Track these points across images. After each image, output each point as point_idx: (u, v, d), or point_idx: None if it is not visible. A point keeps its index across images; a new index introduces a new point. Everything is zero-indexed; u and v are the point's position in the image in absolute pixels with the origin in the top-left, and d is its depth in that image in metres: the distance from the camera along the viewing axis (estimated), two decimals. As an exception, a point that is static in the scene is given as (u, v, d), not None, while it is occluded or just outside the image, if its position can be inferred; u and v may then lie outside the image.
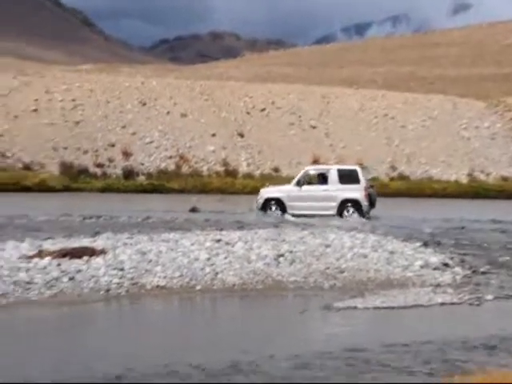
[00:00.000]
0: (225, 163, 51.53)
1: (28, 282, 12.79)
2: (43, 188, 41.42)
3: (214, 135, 54.36)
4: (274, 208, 27.28)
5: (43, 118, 52.54)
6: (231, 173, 49.77)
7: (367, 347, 9.82)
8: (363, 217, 26.71)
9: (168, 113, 55.75)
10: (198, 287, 13.54)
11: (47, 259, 14.08)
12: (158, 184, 45.56)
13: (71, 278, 13.26)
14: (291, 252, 15.67)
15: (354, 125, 58.16)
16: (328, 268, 14.89)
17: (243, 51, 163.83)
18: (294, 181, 27.86)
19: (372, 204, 27.67)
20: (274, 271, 14.54)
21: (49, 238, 16.97)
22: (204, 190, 44.89)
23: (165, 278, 13.74)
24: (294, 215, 26.67)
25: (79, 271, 13.60)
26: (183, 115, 55.79)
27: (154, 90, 58.10)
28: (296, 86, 65.18)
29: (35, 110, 53.20)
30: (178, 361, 8.98)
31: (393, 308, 12.42)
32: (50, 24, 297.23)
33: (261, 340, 10.45)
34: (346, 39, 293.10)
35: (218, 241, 16.65)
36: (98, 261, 14.27)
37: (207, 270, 14.26)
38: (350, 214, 26.94)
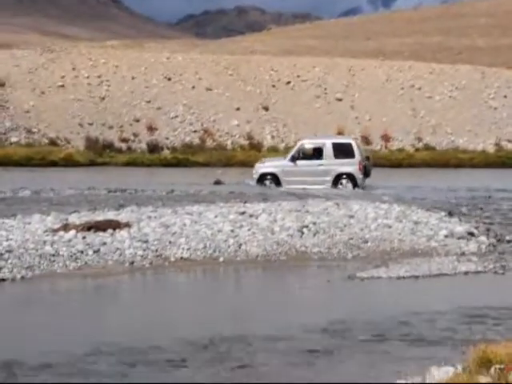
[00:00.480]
0: (249, 137, 51.41)
1: (53, 255, 12.91)
2: (69, 163, 41.67)
3: (238, 109, 54.25)
4: (268, 183, 27.31)
5: (69, 94, 52.76)
6: (255, 146, 49.66)
7: (389, 316, 9.80)
8: (358, 188, 26.82)
9: (193, 87, 55.69)
10: (222, 259, 13.59)
11: (72, 232, 14.18)
12: (183, 158, 45.58)
13: (96, 251, 13.36)
14: (315, 223, 15.64)
15: (380, 97, 57.70)
16: (352, 238, 14.86)
17: (268, 25, 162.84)
18: (289, 155, 27.92)
19: (367, 175, 27.80)
20: (298, 242, 14.54)
21: (74, 212, 17.07)
22: (228, 163, 44.81)
23: (188, 249, 13.80)
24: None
25: (104, 244, 13.69)
26: (208, 89, 55.72)
27: (179, 65, 58.02)
28: (321, 58, 64.73)
29: (62, 86, 53.43)
30: (206, 333, 8.94)
31: (417, 277, 12.38)
32: (79, 1, 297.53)
33: (288, 310, 10.46)
34: (372, 11, 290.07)
35: (242, 213, 16.66)
36: (122, 234, 14.36)
37: (231, 241, 14.30)
38: (345, 184, 27.06)
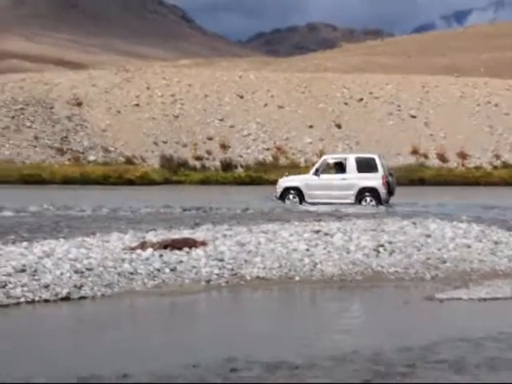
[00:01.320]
0: (322, 154, 51.38)
1: (132, 273, 13.06)
2: (145, 181, 42.43)
3: (311, 127, 54.24)
4: (292, 197, 27.44)
5: (144, 113, 53.66)
6: (329, 164, 49.58)
7: (471, 339, 9.57)
8: (381, 205, 26.53)
9: (265, 105, 55.97)
10: (297, 278, 13.53)
11: (150, 250, 14.34)
12: (256, 176, 45.86)
13: (173, 269, 13.46)
14: (391, 242, 15.47)
15: (455, 113, 56.86)
16: (429, 258, 14.61)
17: (340, 42, 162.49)
18: (313, 170, 28.04)
19: (391, 192, 27.55)
20: (374, 262, 14.37)
21: (151, 230, 17.29)
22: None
23: (264, 268, 13.79)
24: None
25: (180, 262, 13.79)
26: (280, 107, 55.90)
27: (252, 83, 58.42)
28: (394, 75, 64.24)
29: (137, 105, 54.41)
30: (287, 353, 8.90)
31: (498, 299, 12.07)
32: (151, 21, 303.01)
33: (367, 332, 10.32)
34: (445, 27, 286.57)
35: (317, 232, 16.61)
36: (198, 252, 14.44)
37: (306, 260, 14.23)
38: (368, 202, 26.84)
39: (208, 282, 13.10)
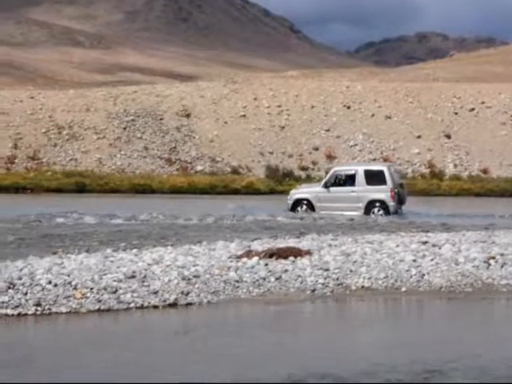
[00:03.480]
0: (430, 165, 50.46)
1: (237, 281, 13.20)
2: (250, 191, 42.84)
3: (419, 137, 53.43)
4: (303, 208, 27.93)
5: (251, 124, 54.22)
6: (437, 174, 48.64)
7: None
8: (390, 215, 27.02)
9: (372, 115, 55.53)
10: (404, 289, 13.35)
11: (255, 259, 14.45)
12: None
13: (278, 278, 13.52)
14: (502, 254, 15.05)
15: None
16: (543, 272, 14.11)
17: (451, 51, 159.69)
18: (323, 182, 28.71)
19: (401, 202, 28.25)
20: (484, 274, 14.01)
21: (256, 239, 17.44)
22: (408, 191, 44.19)
23: (369, 279, 13.67)
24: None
25: (285, 271, 13.84)
26: (387, 117, 55.33)
27: (359, 94, 58.08)
28: (508, 84, 62.47)
29: (243, 116, 55.02)
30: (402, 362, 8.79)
31: None
32: (260, 33, 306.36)
33: (482, 345, 10.04)
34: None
35: (424, 243, 16.36)
36: (303, 261, 14.46)
37: (413, 271, 14.03)
38: (377, 213, 27.34)
39: (313, 291, 13.09)
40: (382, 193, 27.58)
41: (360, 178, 27.84)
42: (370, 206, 27.55)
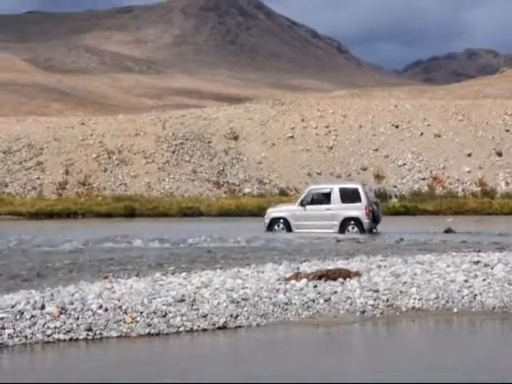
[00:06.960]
0: (481, 183, 49.84)
1: (286, 303, 13.15)
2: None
3: (469, 155, 52.84)
4: (280, 227, 28.29)
5: (298, 145, 54.27)
6: (488, 193, 48.01)
7: None
8: (364, 233, 27.21)
9: (421, 134, 55.12)
10: (455, 309, 13.15)
11: (304, 281, 14.38)
12: (411, 206, 45.10)
13: (327, 300, 13.43)
14: (558, 275, 14.72)
15: None
16: None
17: (501, 68, 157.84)
18: (299, 200, 29.01)
19: (375, 220, 28.41)
20: (538, 294, 13.72)
21: (305, 261, 17.39)
22: (459, 211, 43.69)
23: (420, 299, 13.51)
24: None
25: (335, 293, 13.74)
26: (437, 136, 54.87)
27: (407, 112, 57.74)
28: (559, 99, 61.50)
29: (291, 137, 55.11)
30: None
31: None
32: (307, 54, 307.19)
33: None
34: None
35: (476, 262, 16.11)
36: (352, 283, 14.35)
37: (465, 292, 13.81)
38: (351, 231, 27.68)
39: (363, 312, 12.98)
40: (356, 210, 27.96)
41: (335, 196, 28.25)
42: (344, 224, 28.01)
